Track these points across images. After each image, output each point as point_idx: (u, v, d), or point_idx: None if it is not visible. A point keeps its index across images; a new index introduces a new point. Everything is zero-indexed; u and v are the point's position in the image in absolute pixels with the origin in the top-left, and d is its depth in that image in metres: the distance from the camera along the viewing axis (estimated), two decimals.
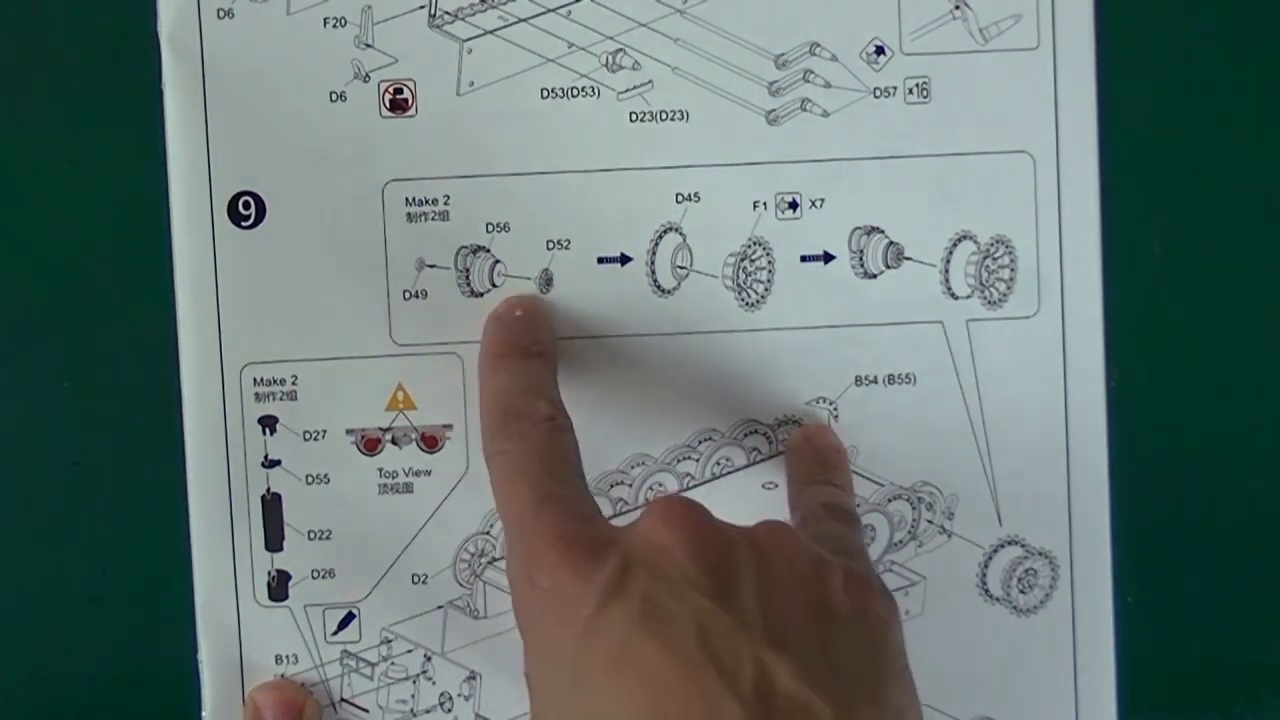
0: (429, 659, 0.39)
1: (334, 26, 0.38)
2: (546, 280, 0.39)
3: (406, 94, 0.38)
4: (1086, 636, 0.40)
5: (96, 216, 0.39)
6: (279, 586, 0.39)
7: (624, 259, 0.39)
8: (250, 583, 0.39)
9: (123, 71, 0.38)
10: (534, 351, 0.37)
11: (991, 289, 0.39)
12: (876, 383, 0.39)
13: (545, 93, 0.38)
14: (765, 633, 0.30)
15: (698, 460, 0.39)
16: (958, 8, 0.39)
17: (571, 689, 0.31)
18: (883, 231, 0.39)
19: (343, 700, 0.39)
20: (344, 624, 0.39)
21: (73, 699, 0.40)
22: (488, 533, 0.39)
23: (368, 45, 0.38)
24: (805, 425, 0.39)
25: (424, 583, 0.39)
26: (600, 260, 0.39)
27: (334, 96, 0.38)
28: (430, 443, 0.39)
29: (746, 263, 0.39)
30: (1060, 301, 0.39)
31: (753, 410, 0.39)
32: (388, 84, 0.38)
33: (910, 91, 0.39)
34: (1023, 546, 0.40)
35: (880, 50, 0.39)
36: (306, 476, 0.39)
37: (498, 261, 0.39)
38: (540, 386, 0.36)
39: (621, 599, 0.31)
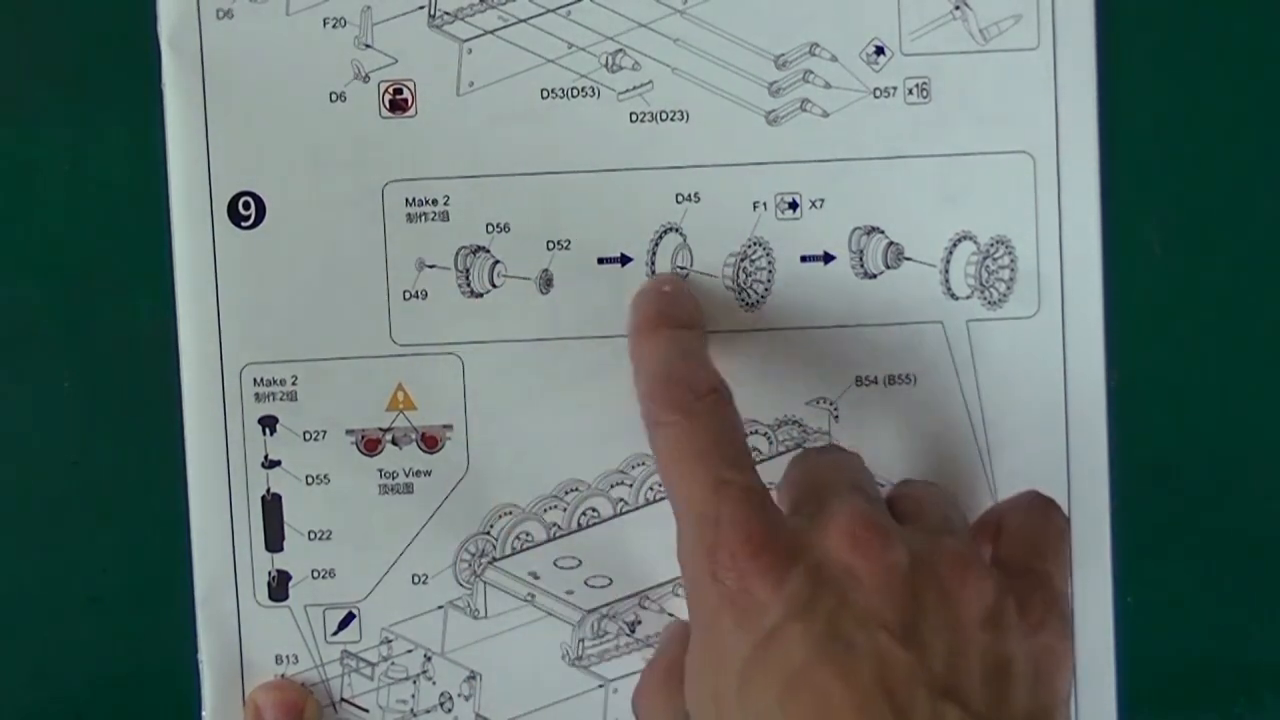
0: (429, 659, 0.39)
1: (334, 27, 0.38)
2: (546, 280, 0.39)
3: (406, 94, 0.38)
4: (1086, 636, 0.40)
5: (96, 216, 0.39)
6: (279, 586, 0.39)
7: (624, 259, 0.39)
8: (250, 583, 0.39)
9: (123, 71, 0.38)
10: (686, 324, 0.37)
11: (991, 289, 0.39)
12: (876, 383, 0.39)
13: (545, 93, 0.38)
14: (943, 678, 0.30)
15: None
16: (958, 8, 0.39)
17: (739, 695, 0.31)
18: (883, 232, 0.39)
19: (343, 700, 0.39)
20: (344, 624, 0.39)
21: (73, 699, 0.40)
22: (488, 533, 0.39)
23: (367, 45, 0.38)
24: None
25: (424, 583, 0.39)
26: (600, 260, 0.39)
27: (334, 97, 0.38)
28: (430, 443, 0.39)
29: (746, 263, 0.39)
30: (1060, 301, 0.39)
31: (753, 410, 0.39)
32: (388, 84, 0.38)
33: (910, 92, 0.39)
34: None
35: (880, 50, 0.39)
36: (306, 476, 0.39)
37: (498, 261, 0.39)
38: (698, 355, 0.36)
39: (806, 618, 0.30)
